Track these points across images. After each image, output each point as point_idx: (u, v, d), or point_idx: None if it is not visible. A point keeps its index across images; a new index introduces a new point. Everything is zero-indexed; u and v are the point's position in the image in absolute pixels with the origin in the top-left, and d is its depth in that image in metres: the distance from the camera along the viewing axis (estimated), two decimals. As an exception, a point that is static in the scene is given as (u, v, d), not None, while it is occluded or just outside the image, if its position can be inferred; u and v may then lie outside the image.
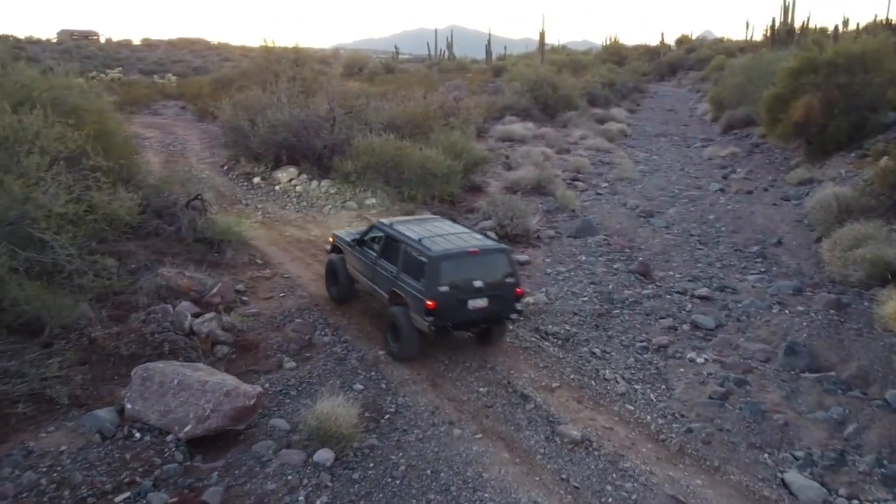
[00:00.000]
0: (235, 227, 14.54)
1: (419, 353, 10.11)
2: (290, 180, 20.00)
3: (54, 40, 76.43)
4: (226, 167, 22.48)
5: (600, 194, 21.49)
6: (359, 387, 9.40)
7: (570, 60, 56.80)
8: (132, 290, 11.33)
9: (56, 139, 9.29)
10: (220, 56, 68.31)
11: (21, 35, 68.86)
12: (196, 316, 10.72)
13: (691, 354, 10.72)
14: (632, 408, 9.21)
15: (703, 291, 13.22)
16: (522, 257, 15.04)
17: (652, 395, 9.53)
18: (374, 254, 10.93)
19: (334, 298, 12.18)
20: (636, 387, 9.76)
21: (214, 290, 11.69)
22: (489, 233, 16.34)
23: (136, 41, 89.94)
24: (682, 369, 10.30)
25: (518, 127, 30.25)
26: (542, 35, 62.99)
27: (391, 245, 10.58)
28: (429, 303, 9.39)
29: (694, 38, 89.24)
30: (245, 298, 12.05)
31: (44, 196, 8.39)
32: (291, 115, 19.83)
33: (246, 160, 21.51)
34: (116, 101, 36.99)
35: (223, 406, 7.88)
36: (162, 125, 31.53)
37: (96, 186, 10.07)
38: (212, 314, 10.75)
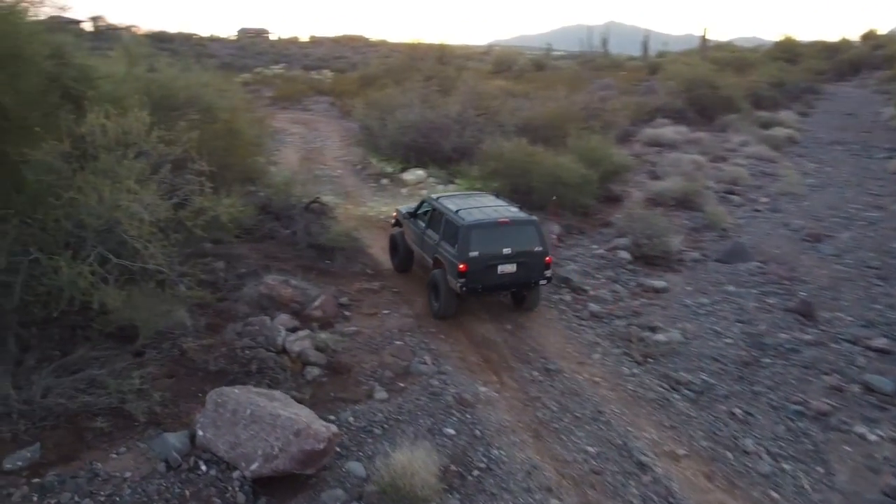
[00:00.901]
0: (351, 233, 14.02)
1: (455, 314, 11.30)
2: (418, 183, 19.36)
3: (233, 38, 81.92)
4: (359, 166, 22.32)
5: (758, 211, 18.95)
6: (450, 431, 8.34)
7: (735, 58, 52.16)
8: (235, 297, 11.04)
9: (158, 142, 8.95)
10: (377, 53, 69.67)
11: (205, 34, 74.99)
12: (292, 331, 10.20)
13: (861, 428, 8.65)
14: (777, 495, 7.47)
15: (882, 343, 10.88)
16: (659, 283, 13.31)
17: (805, 481, 7.70)
18: (424, 224, 12.20)
19: (395, 268, 13.37)
20: (785, 466, 7.95)
21: (316, 302, 11.12)
22: (622, 251, 14.72)
23: (304, 38, 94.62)
24: (847, 447, 8.31)
25: (669, 131, 27.88)
26: (704, 31, 58.83)
27: (436, 216, 11.86)
28: (461, 266, 10.57)
29: (883, 33, 79.73)
30: (347, 313, 11.38)
31: (133, 204, 8.02)
32: (421, 115, 19.15)
33: (377, 160, 21.20)
34: (272, 97, 38.69)
35: (290, 447, 7.13)
36: (308, 121, 32.28)
37: (200, 191, 9.71)
38: (306, 331, 10.16)
